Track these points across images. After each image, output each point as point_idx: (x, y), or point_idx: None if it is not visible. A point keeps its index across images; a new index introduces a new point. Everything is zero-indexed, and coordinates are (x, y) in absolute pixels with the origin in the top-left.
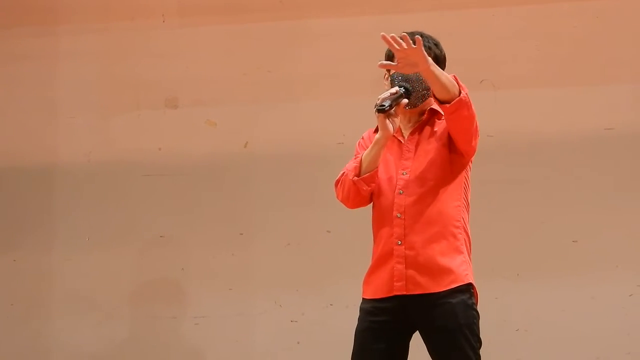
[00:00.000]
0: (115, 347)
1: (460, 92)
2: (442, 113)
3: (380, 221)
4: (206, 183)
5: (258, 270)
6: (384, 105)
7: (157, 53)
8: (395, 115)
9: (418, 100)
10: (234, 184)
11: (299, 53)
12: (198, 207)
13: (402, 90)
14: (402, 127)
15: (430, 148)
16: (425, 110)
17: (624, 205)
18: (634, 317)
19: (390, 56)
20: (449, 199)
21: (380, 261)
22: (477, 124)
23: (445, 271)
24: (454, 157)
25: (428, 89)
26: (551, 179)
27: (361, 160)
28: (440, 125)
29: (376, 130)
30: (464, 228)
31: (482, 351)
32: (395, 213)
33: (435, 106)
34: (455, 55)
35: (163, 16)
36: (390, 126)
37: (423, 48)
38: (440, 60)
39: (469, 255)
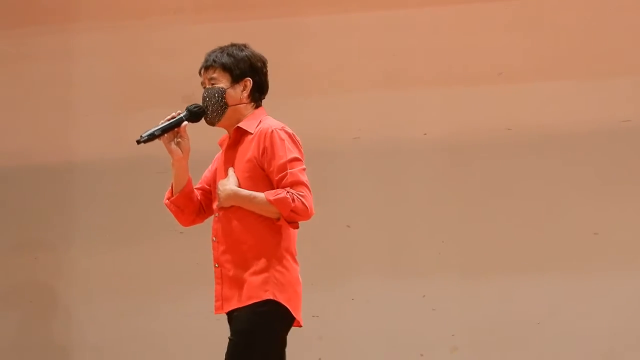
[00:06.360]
0: (134, 343)
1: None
2: (250, 132)
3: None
4: None
5: None
6: (142, 137)
7: (172, 50)
8: (182, 137)
9: (215, 117)
10: None
11: (310, 48)
12: None
13: (185, 113)
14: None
15: (241, 168)
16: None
17: None
18: None
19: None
20: (259, 219)
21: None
22: (310, 203)
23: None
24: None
25: (219, 103)
26: (571, 171)
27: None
28: (251, 144)
29: (221, 142)
30: (277, 244)
31: (504, 344)
32: (212, 236)
33: (242, 125)
34: (472, 49)
35: (176, 13)
36: (176, 149)
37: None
38: (242, 70)
39: (281, 267)
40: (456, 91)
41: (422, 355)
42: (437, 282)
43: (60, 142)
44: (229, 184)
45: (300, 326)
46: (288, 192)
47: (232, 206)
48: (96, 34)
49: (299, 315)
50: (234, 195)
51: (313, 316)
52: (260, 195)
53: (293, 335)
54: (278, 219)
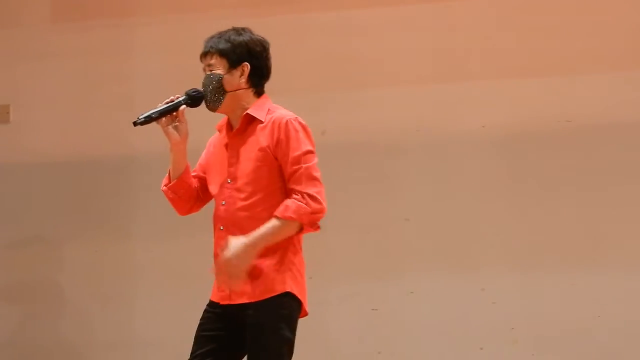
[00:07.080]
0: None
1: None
2: (261, 120)
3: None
4: None
5: (338, 258)
6: (138, 119)
7: None
8: (180, 121)
9: (215, 103)
10: None
11: (371, 42)
12: None
13: (183, 97)
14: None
15: (253, 157)
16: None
17: None
18: None
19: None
20: (271, 210)
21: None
22: (322, 197)
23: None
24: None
25: (218, 89)
26: (630, 163)
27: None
28: (262, 133)
29: (220, 127)
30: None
31: (564, 337)
32: (218, 225)
33: (252, 112)
34: (530, 42)
35: (236, 7)
36: (173, 133)
37: (233, 265)
38: (239, 55)
39: (295, 259)
40: (515, 83)
41: (481, 348)
42: (496, 275)
43: (120, 136)
44: (234, 248)
45: (307, 315)
46: (296, 196)
47: (242, 198)
48: (155, 28)
49: (306, 305)
50: (246, 248)
51: (372, 310)
52: (270, 222)
53: (351, 328)
54: (300, 230)
